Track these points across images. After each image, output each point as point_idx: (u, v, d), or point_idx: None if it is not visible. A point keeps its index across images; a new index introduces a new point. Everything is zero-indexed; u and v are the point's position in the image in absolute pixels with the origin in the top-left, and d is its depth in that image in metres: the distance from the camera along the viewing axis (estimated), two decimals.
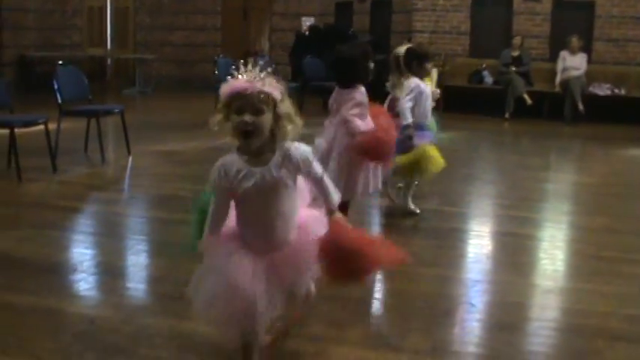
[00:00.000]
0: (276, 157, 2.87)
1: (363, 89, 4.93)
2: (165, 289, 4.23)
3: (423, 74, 6.00)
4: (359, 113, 4.85)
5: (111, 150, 8.52)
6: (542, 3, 13.98)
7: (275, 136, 2.86)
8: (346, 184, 4.90)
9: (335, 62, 5.12)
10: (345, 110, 4.85)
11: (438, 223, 5.93)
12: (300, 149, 2.91)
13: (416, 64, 5.93)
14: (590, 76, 13.30)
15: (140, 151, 8.42)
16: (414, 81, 5.85)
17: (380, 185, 5.23)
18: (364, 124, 4.86)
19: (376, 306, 4.10)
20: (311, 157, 2.92)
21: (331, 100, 5.03)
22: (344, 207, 5.12)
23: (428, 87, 6.02)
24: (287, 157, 2.87)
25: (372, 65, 5.01)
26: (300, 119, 2.94)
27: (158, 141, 9.30)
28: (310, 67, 13.44)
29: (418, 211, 6.07)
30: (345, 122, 4.84)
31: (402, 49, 6.20)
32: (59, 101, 7.70)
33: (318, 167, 3.00)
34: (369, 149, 4.81)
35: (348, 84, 4.91)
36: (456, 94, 13.00)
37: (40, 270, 4.47)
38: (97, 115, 8.06)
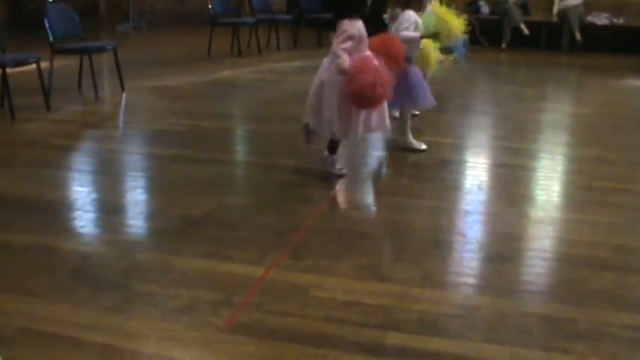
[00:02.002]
0: None
1: (358, 22, 4.88)
2: (160, 225, 4.27)
3: (422, 9, 5.97)
4: (351, 47, 4.82)
5: (105, 87, 8.49)
6: None
7: None
8: (341, 124, 4.90)
9: None
10: (335, 44, 4.83)
11: (430, 154, 5.93)
12: None
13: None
14: (588, 6, 13.15)
15: (134, 88, 8.39)
16: (410, 13, 5.80)
17: (387, 124, 5.19)
18: (358, 59, 4.81)
19: (367, 237, 4.14)
20: None
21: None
22: (335, 144, 5.16)
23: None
24: None
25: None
26: None
27: (152, 77, 9.25)
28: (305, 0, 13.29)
29: (424, 146, 6.02)
30: (333, 57, 4.83)
31: None
32: (51, 39, 7.64)
33: None
34: (356, 98, 4.77)
35: (342, 16, 4.87)
36: None
37: (35, 208, 4.51)
38: (89, 53, 8.00)
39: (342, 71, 4.75)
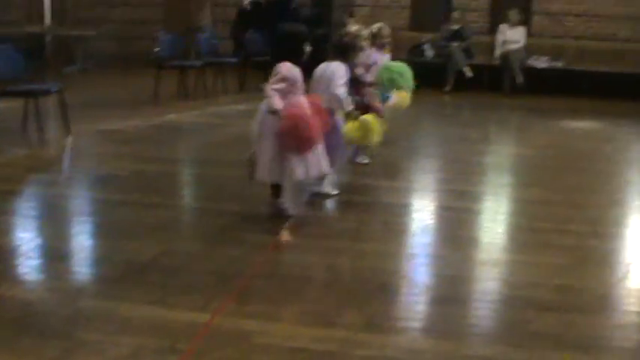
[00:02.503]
0: None
1: (294, 68, 4.99)
2: (105, 271, 4.23)
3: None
4: (283, 88, 4.91)
5: (50, 130, 8.41)
6: None
7: None
8: (280, 167, 4.96)
9: (273, 40, 5.22)
10: (268, 84, 4.93)
11: (376, 198, 6.00)
12: None
13: (352, 54, 5.98)
14: (529, 49, 13.50)
15: (80, 131, 8.32)
16: (339, 64, 5.86)
17: (326, 169, 5.25)
18: (291, 102, 4.90)
19: (312, 282, 4.15)
20: None
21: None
22: (277, 190, 5.18)
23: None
24: None
25: (307, 48, 5.11)
26: None
27: (99, 120, 9.19)
28: (252, 42, 13.36)
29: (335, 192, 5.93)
30: (267, 96, 4.93)
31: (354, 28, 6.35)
32: None
33: None
34: (286, 139, 4.84)
35: (280, 60, 4.99)
36: None
37: None
38: (34, 95, 7.95)
39: (273, 110, 4.86)
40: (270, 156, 4.95)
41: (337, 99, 5.63)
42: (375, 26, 7.46)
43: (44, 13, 16.85)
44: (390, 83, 6.94)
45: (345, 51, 5.89)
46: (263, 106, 5.05)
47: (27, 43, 15.56)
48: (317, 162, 5.08)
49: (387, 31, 7.45)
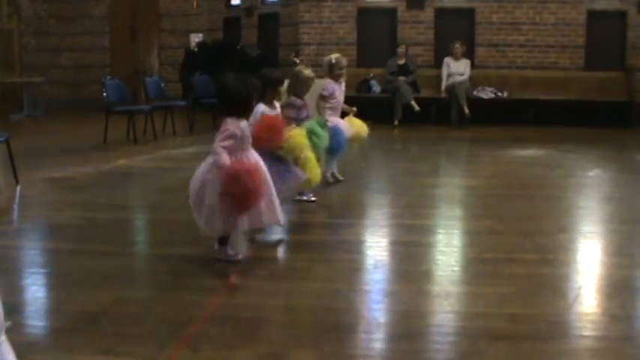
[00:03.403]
0: None
1: (242, 122, 5.01)
2: (57, 323, 4.19)
3: (277, 97, 6.17)
4: (232, 145, 4.92)
5: None
6: (425, 11, 14.35)
7: None
8: (225, 220, 4.98)
9: (219, 91, 5.21)
10: (216, 141, 4.93)
11: (326, 236, 6.03)
12: None
13: (270, 90, 6.04)
14: (474, 81, 13.75)
15: (29, 179, 8.25)
16: (260, 106, 5.94)
17: (279, 218, 5.30)
18: (240, 156, 4.94)
19: (265, 324, 4.15)
20: None
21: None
22: (223, 241, 5.19)
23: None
24: None
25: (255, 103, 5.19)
26: None
27: (48, 167, 9.13)
28: (200, 84, 13.43)
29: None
30: (213, 154, 4.92)
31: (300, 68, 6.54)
32: None
33: None
34: (232, 197, 4.87)
35: (227, 114, 5.02)
36: (348, 104, 13.19)
37: None
38: None
39: (221, 167, 4.87)
40: (214, 209, 4.96)
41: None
42: (333, 56, 7.57)
43: None
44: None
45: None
46: (210, 159, 5.06)
47: None
48: (271, 211, 5.13)
49: (344, 62, 7.56)
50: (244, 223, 5.06)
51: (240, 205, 4.90)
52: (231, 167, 4.87)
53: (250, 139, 5.13)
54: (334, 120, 7.53)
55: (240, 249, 5.30)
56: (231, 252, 5.21)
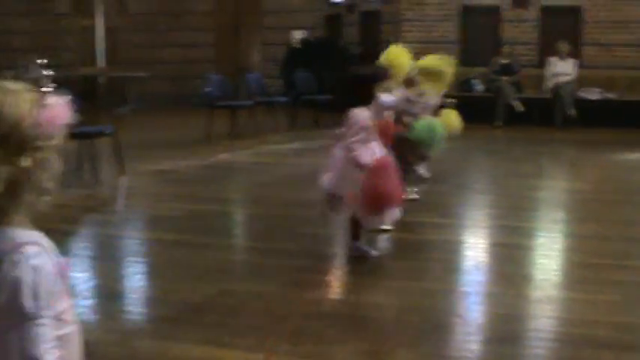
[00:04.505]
0: None
1: (366, 113, 4.96)
2: (160, 311, 4.27)
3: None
4: (363, 138, 4.89)
5: (104, 171, 8.55)
6: (530, 10, 14.07)
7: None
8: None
9: (349, 82, 5.16)
10: (349, 136, 4.88)
11: (427, 235, 5.98)
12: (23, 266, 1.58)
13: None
14: (580, 81, 13.39)
15: (134, 171, 8.45)
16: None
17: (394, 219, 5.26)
18: (370, 150, 4.90)
19: (366, 322, 4.14)
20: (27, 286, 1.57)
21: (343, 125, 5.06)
22: (356, 231, 5.18)
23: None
24: None
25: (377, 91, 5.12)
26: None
27: (152, 160, 9.34)
28: (301, 81, 13.51)
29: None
30: (349, 150, 4.87)
31: None
32: None
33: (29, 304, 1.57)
34: (371, 202, 4.83)
35: (350, 104, 4.95)
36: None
37: None
38: (89, 137, 8.10)
39: (360, 165, 4.79)
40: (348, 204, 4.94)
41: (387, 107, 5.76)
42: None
43: (96, 55, 17.24)
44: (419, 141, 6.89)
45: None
46: (338, 152, 5.00)
47: (81, 85, 15.95)
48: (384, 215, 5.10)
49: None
50: (373, 221, 5.02)
51: (379, 204, 4.87)
52: (372, 165, 4.82)
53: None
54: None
55: (368, 248, 5.28)
56: (361, 248, 5.19)
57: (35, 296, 1.57)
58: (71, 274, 4.71)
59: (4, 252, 1.58)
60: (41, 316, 1.58)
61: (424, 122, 6.75)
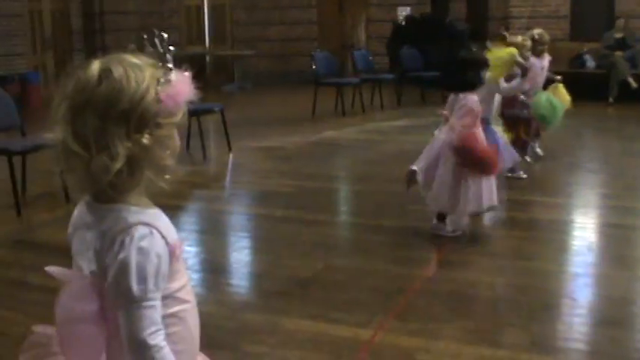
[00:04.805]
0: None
1: (474, 96, 4.90)
2: (268, 286, 4.33)
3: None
4: (469, 123, 4.83)
5: (212, 147, 8.70)
6: None
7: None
8: (451, 200, 4.91)
9: (454, 65, 5.09)
10: (454, 119, 4.83)
11: (538, 214, 5.86)
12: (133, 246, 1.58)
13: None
14: None
15: (241, 148, 8.57)
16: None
17: (496, 201, 5.17)
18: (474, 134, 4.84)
19: (474, 300, 4.10)
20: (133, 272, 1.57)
21: (446, 107, 5.01)
22: (442, 217, 5.13)
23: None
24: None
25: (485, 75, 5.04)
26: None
27: (258, 137, 9.45)
28: (407, 58, 13.40)
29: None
30: (453, 131, 4.81)
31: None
32: None
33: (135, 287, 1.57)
34: (466, 157, 4.77)
35: (464, 90, 4.89)
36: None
37: None
38: (197, 115, 8.24)
39: (458, 147, 4.76)
40: (444, 188, 4.89)
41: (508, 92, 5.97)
42: (535, 32, 7.35)
43: (204, 34, 17.53)
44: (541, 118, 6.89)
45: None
46: (441, 135, 4.97)
47: (189, 63, 16.26)
48: (490, 193, 5.00)
49: (546, 37, 7.31)
50: (468, 204, 4.96)
51: (481, 166, 4.80)
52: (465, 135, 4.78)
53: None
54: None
55: (460, 225, 5.22)
56: (449, 228, 5.14)
57: (141, 279, 1.56)
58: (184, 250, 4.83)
59: (115, 232, 1.58)
60: (148, 299, 1.57)
61: (544, 98, 6.65)
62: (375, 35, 17.22)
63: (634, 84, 12.48)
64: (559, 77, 7.48)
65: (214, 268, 4.67)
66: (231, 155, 8.31)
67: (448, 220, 5.13)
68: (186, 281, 1.74)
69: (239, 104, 13.23)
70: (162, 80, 1.59)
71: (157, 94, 1.57)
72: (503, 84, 5.94)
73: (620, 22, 13.21)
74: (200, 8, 17.59)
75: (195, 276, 4.50)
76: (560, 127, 7.40)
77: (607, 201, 6.37)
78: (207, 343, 3.44)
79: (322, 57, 12.20)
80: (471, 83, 4.91)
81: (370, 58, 13.50)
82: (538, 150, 7.66)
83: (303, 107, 11.54)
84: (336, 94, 11.57)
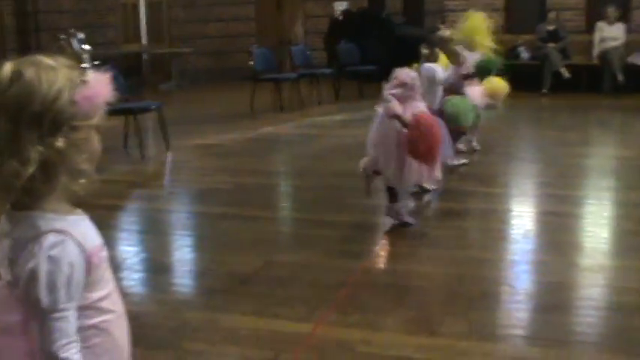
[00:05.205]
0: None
1: (410, 71, 4.98)
2: (208, 283, 4.32)
3: (434, 59, 6.07)
4: (401, 94, 4.89)
5: (150, 146, 8.61)
6: None
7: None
8: (396, 171, 4.96)
9: (394, 43, 5.22)
10: (386, 89, 4.91)
11: (476, 204, 5.94)
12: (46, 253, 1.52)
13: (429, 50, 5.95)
14: (629, 46, 13.10)
15: (179, 146, 8.49)
16: (431, 66, 5.89)
17: (438, 176, 5.24)
18: (409, 106, 4.90)
19: (413, 291, 4.14)
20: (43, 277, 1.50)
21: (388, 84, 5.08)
22: (393, 194, 5.17)
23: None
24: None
25: (424, 51, 5.12)
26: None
27: (197, 134, 9.37)
28: (345, 52, 13.42)
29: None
30: (385, 101, 4.90)
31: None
32: None
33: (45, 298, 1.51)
34: (414, 141, 4.82)
35: (397, 65, 5.00)
36: None
37: None
38: (134, 113, 8.15)
39: (393, 115, 4.83)
40: (392, 160, 4.95)
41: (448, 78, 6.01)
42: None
43: (140, 32, 17.33)
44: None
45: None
46: (380, 109, 5.05)
47: (125, 61, 16.06)
48: (436, 170, 5.08)
49: None
50: (413, 175, 5.04)
51: (425, 155, 4.86)
52: (416, 118, 4.84)
53: (420, 89, 5.09)
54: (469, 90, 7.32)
55: (407, 212, 5.28)
56: (400, 211, 5.18)
57: (51, 289, 1.49)
58: (121, 248, 4.76)
59: (26, 240, 1.52)
60: (59, 310, 1.50)
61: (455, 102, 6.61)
62: (312, 30, 17.23)
63: (566, 74, 12.72)
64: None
65: (154, 268, 4.63)
66: (169, 153, 8.23)
67: (400, 203, 5.17)
68: (111, 290, 1.66)
69: (177, 102, 13.12)
70: (77, 81, 1.53)
71: (71, 95, 1.51)
72: (440, 74, 5.99)
73: (552, 15, 13.45)
74: (136, 6, 17.38)
75: (136, 276, 4.47)
76: (493, 118, 7.50)
77: (542, 189, 6.48)
78: (148, 342, 3.45)
79: (260, 53, 12.17)
80: (409, 58, 5.01)
81: (308, 53, 13.50)
82: (474, 144, 7.72)
83: (242, 104, 11.49)
84: (274, 90, 11.55)
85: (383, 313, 3.74)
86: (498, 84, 7.36)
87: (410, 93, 4.94)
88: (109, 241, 5.10)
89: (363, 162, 5.19)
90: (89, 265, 1.56)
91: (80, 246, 1.55)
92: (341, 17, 15.86)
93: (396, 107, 4.83)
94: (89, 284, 1.58)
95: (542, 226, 5.42)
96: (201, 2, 17.58)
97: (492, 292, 4.08)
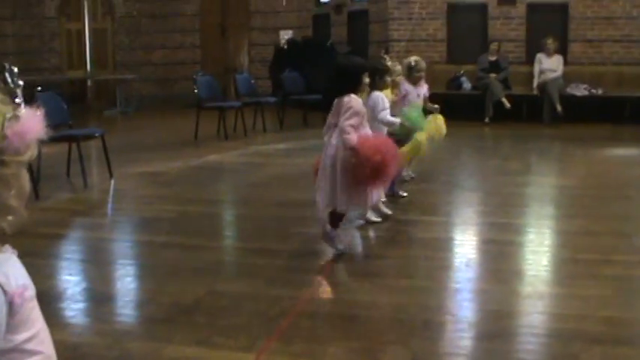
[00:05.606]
0: None
1: (358, 99, 5.03)
2: (151, 313, 4.27)
3: (382, 87, 6.17)
4: (356, 123, 4.93)
5: (93, 174, 8.53)
6: (517, 7, 14.10)
7: None
8: (347, 198, 4.99)
9: (336, 72, 5.24)
10: (342, 120, 4.93)
11: (417, 233, 5.99)
12: None
13: (378, 78, 6.04)
14: (567, 77, 13.41)
15: (123, 174, 8.43)
16: (378, 94, 5.99)
17: (370, 201, 5.29)
18: (362, 134, 4.96)
19: (356, 320, 4.15)
20: None
21: (332, 113, 5.10)
22: (339, 218, 5.20)
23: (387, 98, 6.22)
24: None
25: (366, 79, 5.16)
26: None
27: (140, 162, 9.30)
28: (289, 81, 13.50)
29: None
30: (342, 133, 4.92)
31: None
32: None
33: None
34: (363, 165, 4.86)
35: (341, 93, 5.03)
36: (434, 101, 13.04)
37: None
38: (77, 140, 8.07)
39: (352, 147, 4.86)
40: (334, 185, 4.98)
41: (385, 123, 5.95)
42: (412, 59, 7.40)
43: (85, 58, 17.20)
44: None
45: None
46: (333, 140, 5.04)
47: (70, 88, 15.93)
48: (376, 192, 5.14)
49: (422, 64, 7.40)
50: (359, 200, 5.10)
51: (374, 179, 4.92)
52: (365, 142, 4.90)
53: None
54: None
55: (347, 242, 5.31)
56: (340, 245, 5.20)
57: None
58: (62, 277, 4.69)
59: None
60: None
61: (415, 113, 6.76)
62: (257, 59, 17.31)
63: (507, 104, 12.94)
64: (437, 107, 7.55)
65: (96, 297, 4.57)
66: (112, 181, 8.15)
67: (339, 235, 5.20)
68: (39, 330, 1.58)
69: (121, 129, 13.04)
70: (8, 116, 1.48)
71: (2, 130, 1.46)
72: (383, 114, 6.03)
73: (494, 46, 13.71)
74: (81, 32, 17.25)
75: (76, 306, 4.40)
76: (435, 148, 7.57)
77: (484, 218, 6.57)
78: None
79: (204, 81, 12.15)
80: (352, 86, 5.05)
81: (252, 81, 13.54)
82: (410, 172, 7.73)
83: (186, 131, 11.45)
84: (218, 118, 11.53)
85: (326, 342, 3.75)
86: (440, 128, 7.41)
87: (361, 121, 5.01)
88: (50, 271, 5.10)
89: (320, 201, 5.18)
90: (11, 307, 1.49)
91: (1, 287, 1.48)
92: (286, 46, 15.95)
93: (355, 139, 4.87)
94: (12, 326, 1.50)
95: (484, 255, 5.49)
96: (146, 29, 17.55)
97: (435, 320, 4.11)
